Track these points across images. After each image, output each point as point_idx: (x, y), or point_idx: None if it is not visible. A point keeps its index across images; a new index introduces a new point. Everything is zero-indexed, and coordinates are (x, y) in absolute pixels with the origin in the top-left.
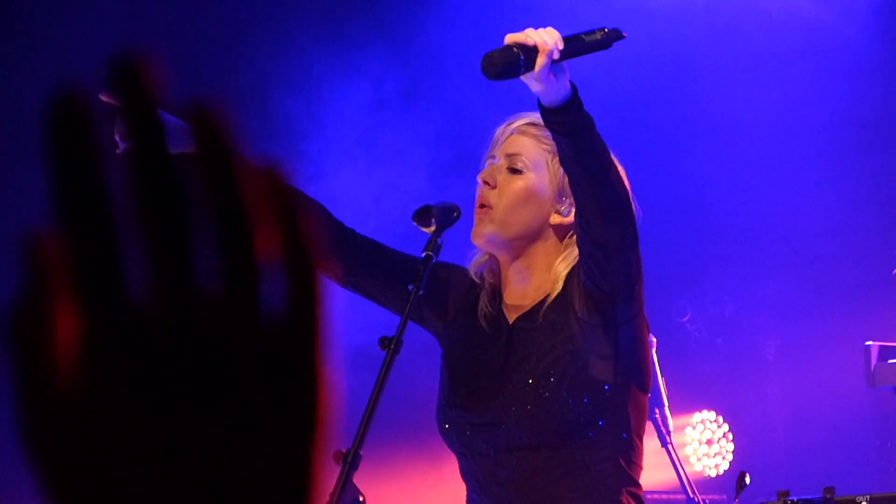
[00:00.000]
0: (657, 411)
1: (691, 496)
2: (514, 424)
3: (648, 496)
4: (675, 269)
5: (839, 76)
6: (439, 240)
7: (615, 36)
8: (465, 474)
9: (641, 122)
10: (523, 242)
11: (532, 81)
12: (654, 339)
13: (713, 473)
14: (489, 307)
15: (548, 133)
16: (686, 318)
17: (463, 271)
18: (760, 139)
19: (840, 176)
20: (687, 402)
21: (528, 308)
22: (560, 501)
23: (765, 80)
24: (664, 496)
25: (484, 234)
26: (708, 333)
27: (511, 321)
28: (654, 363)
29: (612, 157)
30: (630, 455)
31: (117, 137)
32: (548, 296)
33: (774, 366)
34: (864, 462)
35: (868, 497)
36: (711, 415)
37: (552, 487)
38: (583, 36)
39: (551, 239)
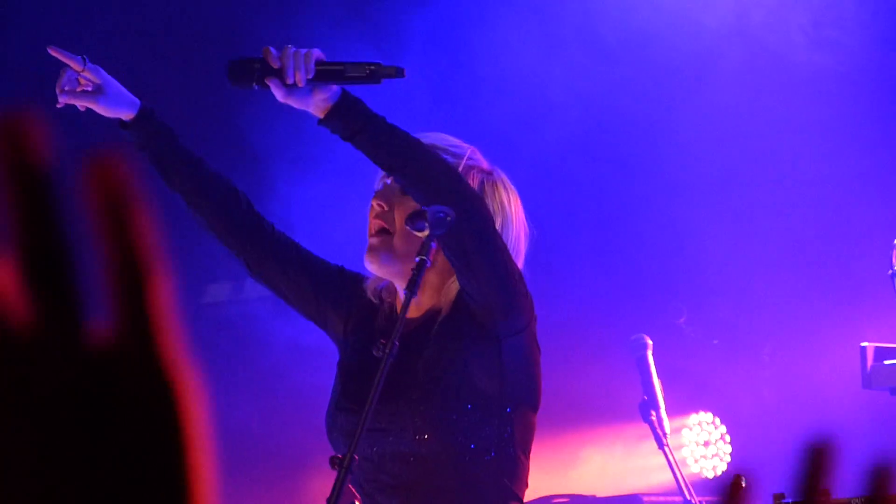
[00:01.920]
0: (653, 413)
1: (689, 498)
2: (399, 431)
3: (646, 499)
4: (670, 270)
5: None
6: (432, 244)
7: (389, 73)
8: (351, 481)
9: (633, 119)
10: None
11: (277, 96)
12: (650, 342)
13: (710, 475)
14: (385, 321)
15: (442, 154)
16: (682, 320)
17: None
18: (754, 138)
19: (837, 175)
20: (683, 404)
21: (417, 322)
22: None
23: (763, 76)
24: (662, 498)
25: (381, 262)
26: (703, 335)
27: (403, 335)
28: (649, 364)
29: (433, 152)
30: (515, 471)
31: (57, 91)
32: (439, 312)
33: (770, 367)
34: (860, 464)
35: (862, 499)
36: (708, 416)
37: (434, 497)
38: (347, 66)
39: (443, 258)
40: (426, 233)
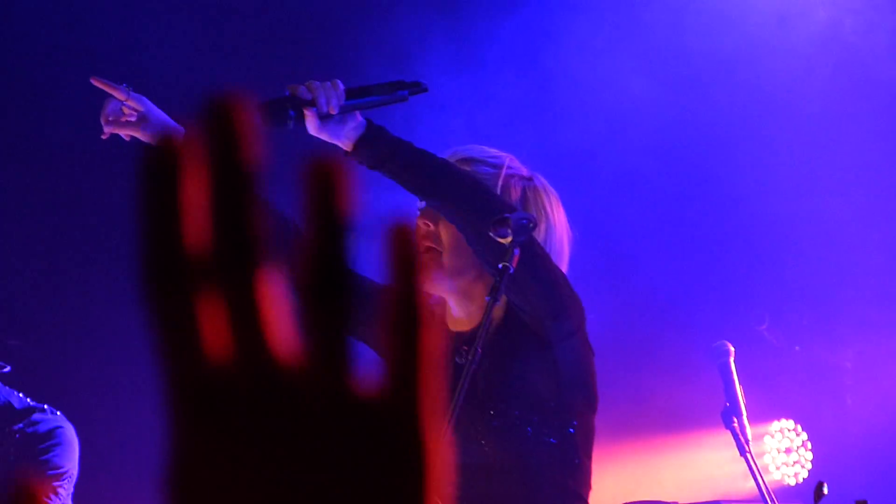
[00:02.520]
0: (735, 420)
1: (771, 503)
2: (464, 442)
3: None
4: (752, 277)
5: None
6: (515, 250)
7: (415, 90)
8: None
9: (717, 131)
10: (470, 278)
11: (310, 129)
12: (732, 348)
13: (792, 482)
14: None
15: (482, 167)
16: (764, 327)
17: None
18: (836, 148)
19: None
20: (765, 411)
21: (470, 331)
22: None
23: (850, 87)
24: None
25: (433, 279)
26: (786, 341)
27: (458, 345)
28: (731, 371)
29: (470, 175)
30: (578, 472)
31: (102, 121)
32: (491, 323)
33: (852, 374)
34: None
35: None
36: (790, 423)
37: (501, 501)
38: (373, 88)
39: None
40: (509, 239)
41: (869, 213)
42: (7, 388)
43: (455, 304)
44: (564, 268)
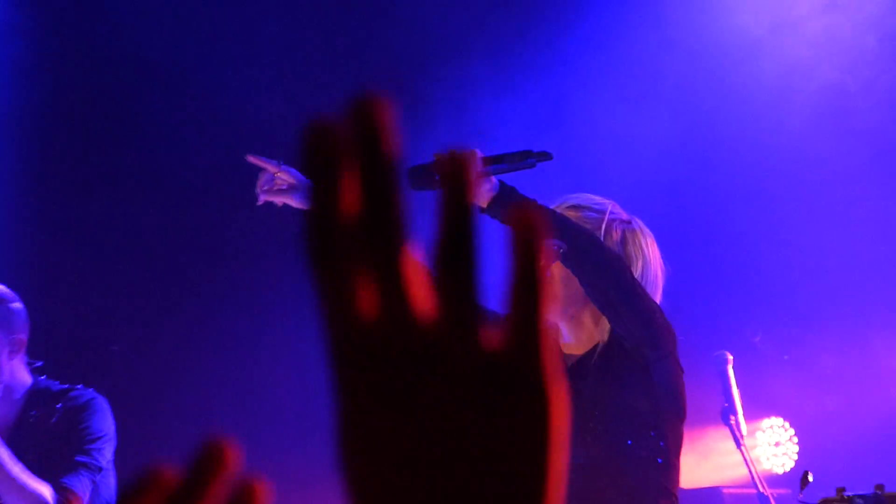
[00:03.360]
0: (732, 418)
1: (761, 490)
2: (571, 446)
3: (726, 491)
4: (748, 297)
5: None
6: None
7: (542, 158)
8: None
9: (718, 166)
10: (576, 309)
11: None
12: (731, 357)
13: (780, 471)
14: None
15: (588, 213)
16: (757, 338)
17: None
18: (818, 186)
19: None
20: (758, 410)
21: (581, 355)
22: None
23: (838, 128)
24: (739, 490)
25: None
26: (776, 351)
27: (568, 365)
28: (729, 376)
29: (582, 227)
30: (669, 472)
31: (258, 191)
32: (597, 345)
33: (833, 379)
34: None
35: None
36: (779, 421)
37: (600, 496)
38: (505, 157)
39: (594, 307)
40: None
41: (844, 242)
42: (44, 377)
43: (567, 330)
44: (658, 298)
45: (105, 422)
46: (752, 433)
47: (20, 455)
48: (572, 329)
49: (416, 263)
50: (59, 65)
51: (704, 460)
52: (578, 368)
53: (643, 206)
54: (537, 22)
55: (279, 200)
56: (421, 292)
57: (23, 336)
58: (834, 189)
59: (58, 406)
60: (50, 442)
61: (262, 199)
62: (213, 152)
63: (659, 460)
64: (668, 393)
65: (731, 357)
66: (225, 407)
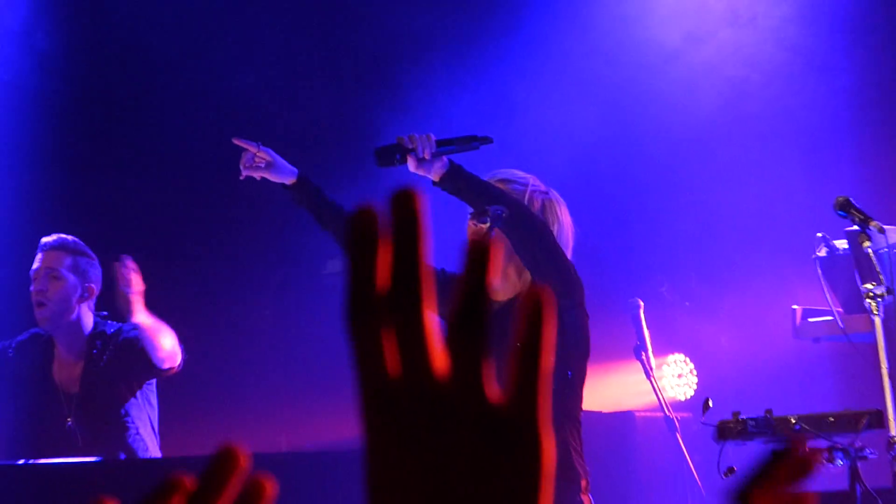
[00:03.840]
0: (643, 354)
1: (667, 413)
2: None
3: (638, 414)
4: (656, 254)
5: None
6: (492, 232)
7: (484, 142)
8: None
9: (629, 145)
10: (504, 264)
11: (410, 168)
12: (642, 303)
13: (683, 398)
14: None
15: (515, 185)
16: (664, 288)
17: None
18: (713, 159)
19: (783, 188)
20: (664, 348)
21: (504, 302)
22: None
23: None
24: (649, 413)
25: None
26: (679, 298)
27: (495, 310)
28: (641, 319)
29: (514, 197)
30: (573, 401)
31: (241, 167)
32: (517, 294)
33: (727, 322)
34: (793, 391)
35: (795, 416)
36: (682, 356)
37: None
38: (454, 141)
39: (518, 259)
40: (488, 224)
41: (743, 206)
42: (101, 321)
43: (497, 281)
44: (569, 254)
45: (154, 346)
46: (659, 366)
47: (93, 380)
48: (500, 281)
49: (434, 328)
50: (78, 55)
51: (620, 389)
52: (503, 313)
53: (573, 181)
54: (486, 27)
55: (258, 175)
56: (437, 351)
57: (94, 286)
58: (727, 163)
59: (119, 341)
60: (114, 365)
61: (245, 174)
62: (212, 133)
63: (566, 390)
64: (576, 334)
65: (642, 303)
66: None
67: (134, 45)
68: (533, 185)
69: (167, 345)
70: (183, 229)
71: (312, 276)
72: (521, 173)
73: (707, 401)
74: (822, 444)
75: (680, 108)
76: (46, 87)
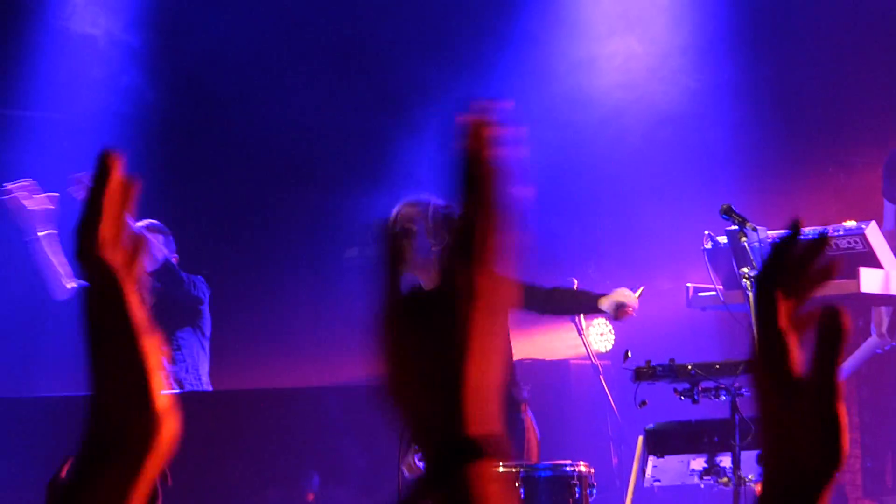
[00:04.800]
0: (576, 317)
1: (594, 362)
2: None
3: (572, 362)
4: (586, 244)
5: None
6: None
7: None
8: None
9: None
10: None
11: None
12: (576, 281)
13: (604, 350)
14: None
15: (419, 207)
16: (591, 270)
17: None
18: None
19: (673, 180)
20: (590, 315)
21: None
22: None
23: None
24: (580, 361)
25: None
26: (601, 277)
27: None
28: None
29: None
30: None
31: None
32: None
33: (640, 296)
34: (688, 346)
35: (691, 363)
36: (603, 320)
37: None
38: None
39: None
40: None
41: (649, 213)
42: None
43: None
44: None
45: (203, 289)
46: (587, 327)
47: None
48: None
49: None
50: (164, 96)
51: (559, 343)
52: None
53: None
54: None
55: None
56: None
57: (174, 256)
58: (642, 179)
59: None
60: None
61: None
62: (265, 151)
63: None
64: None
65: (576, 281)
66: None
67: (205, 81)
68: (434, 203)
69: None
70: (251, 228)
71: (337, 259)
72: (424, 195)
73: (627, 352)
74: (711, 384)
75: (606, 135)
76: (138, 116)
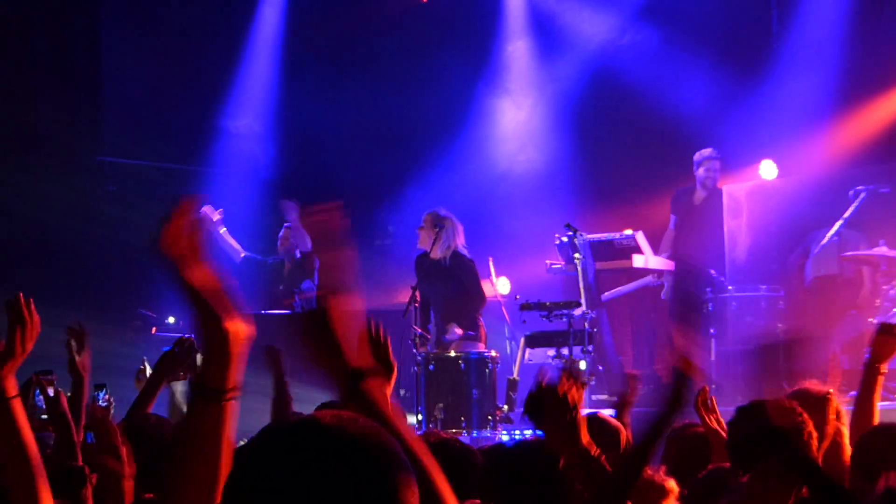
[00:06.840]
0: (490, 277)
1: (499, 299)
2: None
3: (491, 299)
4: (492, 233)
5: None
6: None
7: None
8: None
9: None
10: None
11: None
12: (491, 258)
13: (505, 293)
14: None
15: (434, 218)
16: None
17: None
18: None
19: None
20: (498, 273)
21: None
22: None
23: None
24: (494, 299)
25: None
26: (498, 263)
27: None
28: (490, 268)
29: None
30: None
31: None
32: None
33: (516, 270)
34: (549, 292)
35: (548, 301)
36: (504, 279)
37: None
38: None
39: None
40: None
41: (525, 224)
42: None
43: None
44: (462, 241)
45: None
46: (497, 278)
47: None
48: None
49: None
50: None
51: (488, 288)
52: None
53: (470, 208)
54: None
55: None
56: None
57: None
58: (521, 199)
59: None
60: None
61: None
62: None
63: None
64: (475, 282)
65: (491, 259)
66: None
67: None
68: (437, 213)
69: None
70: None
71: (366, 246)
72: (436, 211)
73: (517, 296)
74: (559, 312)
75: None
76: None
